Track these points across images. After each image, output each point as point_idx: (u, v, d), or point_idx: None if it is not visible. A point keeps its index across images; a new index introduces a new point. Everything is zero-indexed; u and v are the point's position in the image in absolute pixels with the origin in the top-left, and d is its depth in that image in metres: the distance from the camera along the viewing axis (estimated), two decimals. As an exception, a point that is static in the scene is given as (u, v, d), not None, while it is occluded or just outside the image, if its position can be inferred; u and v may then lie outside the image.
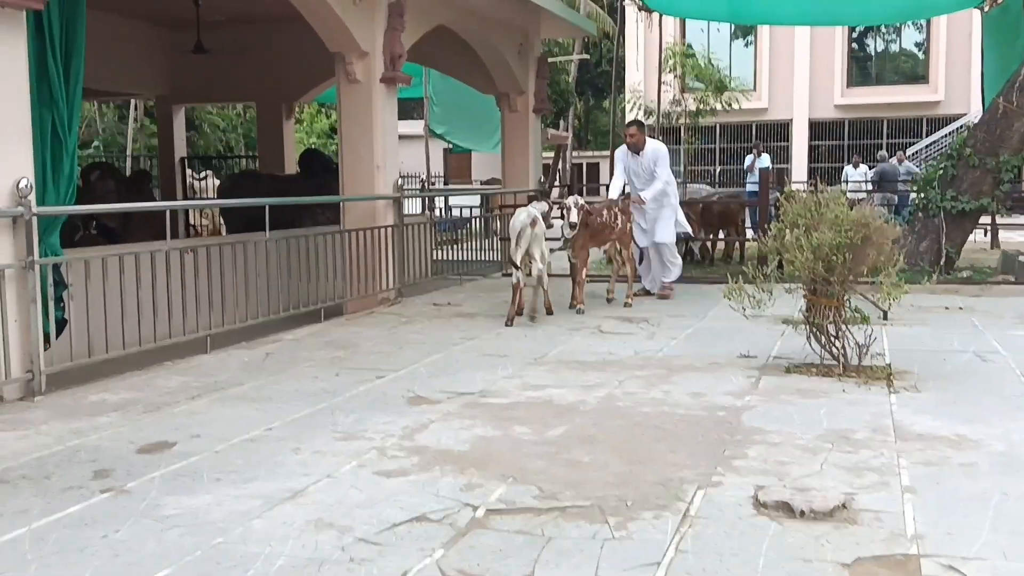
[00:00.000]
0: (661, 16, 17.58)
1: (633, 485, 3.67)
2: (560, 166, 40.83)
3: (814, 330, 5.74)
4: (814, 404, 4.89)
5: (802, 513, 3.28)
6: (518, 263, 7.75)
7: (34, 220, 5.18)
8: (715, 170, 30.10)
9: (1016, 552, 2.96)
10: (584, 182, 43.44)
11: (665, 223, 9.28)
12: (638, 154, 9.12)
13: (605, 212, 8.58)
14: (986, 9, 14.25)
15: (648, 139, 9.23)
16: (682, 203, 13.56)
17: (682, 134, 24.72)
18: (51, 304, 5.46)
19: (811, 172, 27.41)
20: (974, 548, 2.99)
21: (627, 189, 9.37)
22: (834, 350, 5.66)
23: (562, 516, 3.36)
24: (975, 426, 4.39)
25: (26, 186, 5.07)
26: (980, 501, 3.41)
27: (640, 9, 15.87)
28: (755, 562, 2.91)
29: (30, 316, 5.22)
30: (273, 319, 7.46)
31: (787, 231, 5.62)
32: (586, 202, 8.45)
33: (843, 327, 5.67)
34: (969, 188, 10.56)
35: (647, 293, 9.46)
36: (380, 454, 4.12)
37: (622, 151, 9.29)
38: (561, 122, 44.73)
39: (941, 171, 10.88)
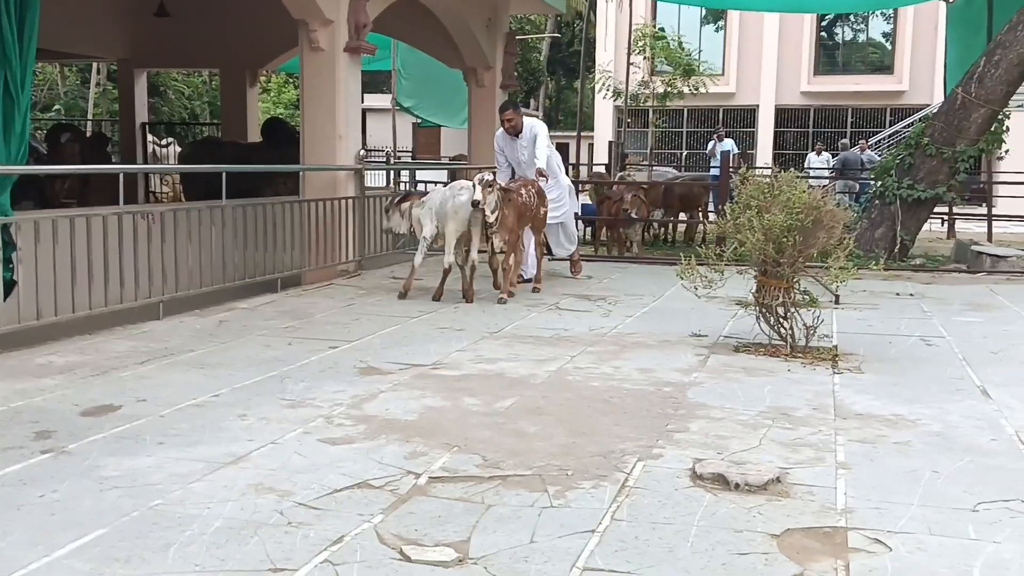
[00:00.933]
0: (631, -3, 17.68)
1: (575, 456, 3.71)
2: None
3: (763, 311, 5.83)
4: (759, 382, 4.97)
5: (737, 486, 3.34)
6: (452, 246, 7.56)
7: (-19, 179, 5.11)
8: (682, 154, 30.21)
9: (941, 527, 3.04)
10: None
11: (562, 203, 8.93)
12: (517, 137, 8.59)
13: (524, 191, 7.87)
14: (951, 0, 14.43)
15: (525, 118, 8.69)
16: (642, 184, 13.72)
17: (650, 116, 24.77)
18: (-1, 265, 5.39)
19: (776, 158, 27.63)
20: (901, 522, 3.07)
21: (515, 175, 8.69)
22: (782, 331, 5.74)
23: (503, 484, 3.40)
24: (913, 407, 4.49)
25: (-27, 144, 4.99)
26: (911, 478, 3.49)
27: (610, -12, 15.95)
28: (687, 531, 2.97)
29: (-24, 276, 5.14)
30: (228, 287, 7.41)
31: (740, 212, 5.68)
32: (494, 178, 7.65)
33: (792, 309, 5.76)
34: (925, 177, 10.71)
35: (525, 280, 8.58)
36: (327, 422, 4.14)
37: (500, 137, 8.77)
38: (532, 101, 44.74)
39: (899, 160, 11.03)
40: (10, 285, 5.61)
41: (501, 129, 8.75)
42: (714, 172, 17.71)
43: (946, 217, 16.20)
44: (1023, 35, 10.40)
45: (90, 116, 25.04)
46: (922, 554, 2.83)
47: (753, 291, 5.94)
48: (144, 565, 2.71)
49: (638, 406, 4.49)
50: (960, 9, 14.07)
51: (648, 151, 24.42)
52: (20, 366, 5.07)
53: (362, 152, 9.28)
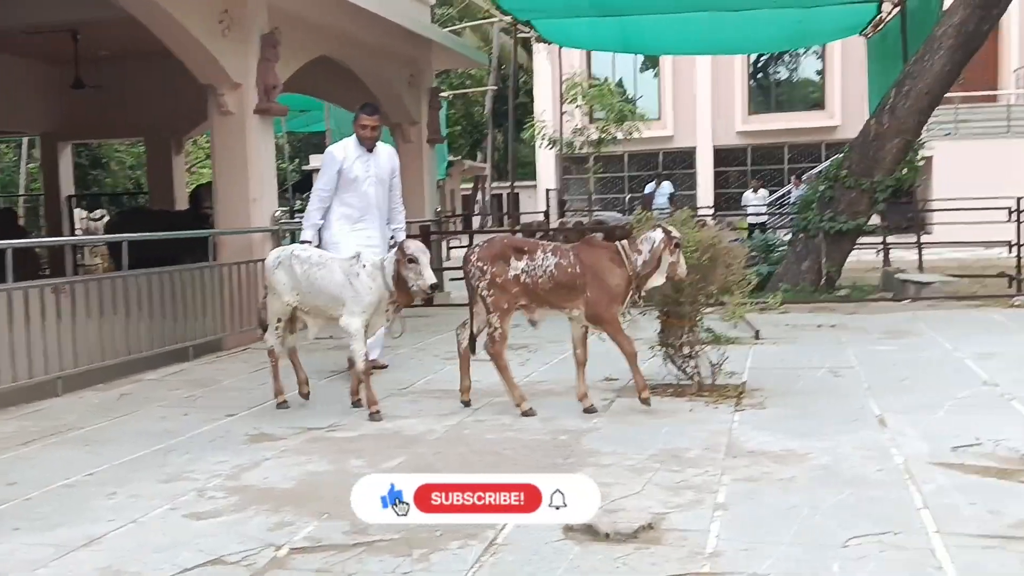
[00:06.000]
0: (560, 48, 17.88)
1: (450, 515, 3.58)
2: (480, 196, 41.01)
3: (669, 351, 5.78)
4: (657, 424, 4.89)
5: (607, 535, 3.24)
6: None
7: None
8: (624, 198, 30.45)
9: (809, 564, 2.97)
10: (504, 211, 43.68)
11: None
12: (371, 152, 6.36)
13: (550, 255, 5.27)
14: (869, 35, 14.76)
15: (382, 143, 6.54)
16: (563, 226, 13.75)
17: (590, 162, 24.96)
18: None
19: (717, 198, 27.93)
20: (768, 562, 2.99)
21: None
22: (688, 370, 5.69)
23: (368, 551, 3.27)
24: (806, 440, 4.43)
25: None
26: (787, 515, 3.42)
27: (537, 40, 16.14)
28: (543, 588, 2.86)
29: None
30: (136, 359, 7.19)
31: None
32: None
33: (697, 347, 5.71)
34: (846, 209, 10.81)
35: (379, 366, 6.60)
36: (198, 495, 3.97)
37: (344, 149, 6.32)
38: (479, 153, 45.01)
39: (819, 193, 11.15)
40: None
41: (347, 141, 6.41)
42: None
43: (881, 247, 16.38)
44: (930, 65, 10.62)
45: (23, 191, 24.67)
46: (781, 596, 2.74)
47: (658, 332, 5.89)
48: (-43, 665, 2.54)
49: (530, 457, 4.38)
50: (877, 44, 14.38)
51: (589, 197, 24.59)
52: None
53: (278, 213, 9.17)
